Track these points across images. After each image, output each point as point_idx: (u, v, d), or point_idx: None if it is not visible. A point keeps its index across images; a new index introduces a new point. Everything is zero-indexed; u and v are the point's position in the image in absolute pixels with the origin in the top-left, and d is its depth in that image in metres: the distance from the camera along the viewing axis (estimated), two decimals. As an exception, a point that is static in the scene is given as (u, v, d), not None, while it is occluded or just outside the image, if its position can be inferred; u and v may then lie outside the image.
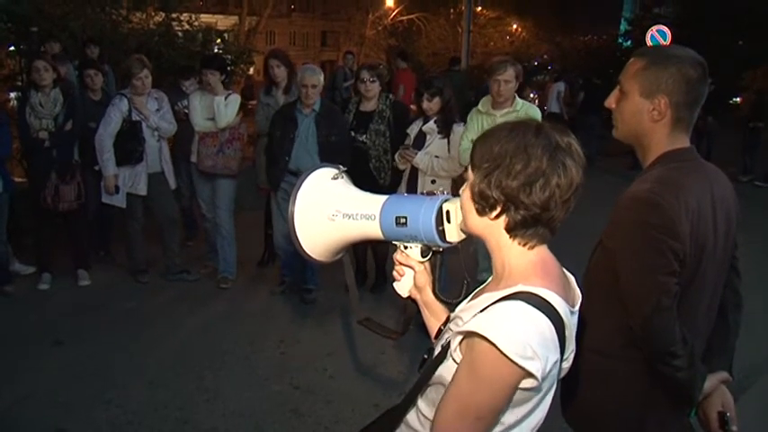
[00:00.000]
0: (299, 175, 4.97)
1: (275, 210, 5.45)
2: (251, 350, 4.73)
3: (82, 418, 3.82)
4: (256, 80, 19.93)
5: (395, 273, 1.71)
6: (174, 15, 10.59)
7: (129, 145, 5.35)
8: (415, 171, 4.93)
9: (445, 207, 1.52)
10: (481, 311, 1.36)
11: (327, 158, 5.04)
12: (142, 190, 5.51)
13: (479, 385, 1.31)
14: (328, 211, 1.64)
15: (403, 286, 1.71)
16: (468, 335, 1.34)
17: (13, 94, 8.78)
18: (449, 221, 1.51)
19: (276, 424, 3.81)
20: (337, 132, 5.15)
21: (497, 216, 1.40)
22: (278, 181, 5.23)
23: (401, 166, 5.02)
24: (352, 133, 5.27)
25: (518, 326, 1.28)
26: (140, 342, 4.79)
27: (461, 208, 1.48)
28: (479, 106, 4.74)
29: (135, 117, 5.40)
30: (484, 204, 1.40)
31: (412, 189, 4.93)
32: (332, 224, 1.64)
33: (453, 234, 1.53)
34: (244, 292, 5.73)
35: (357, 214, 1.61)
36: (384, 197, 1.61)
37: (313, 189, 1.68)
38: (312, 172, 1.71)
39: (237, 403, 4.03)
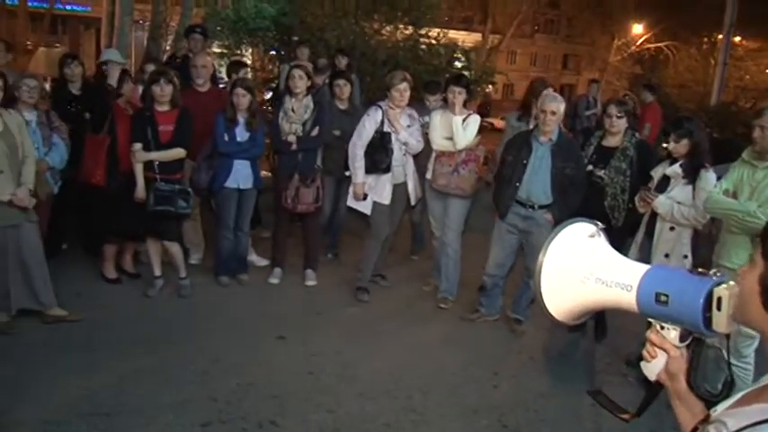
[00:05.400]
0: (526, 206, 4.84)
1: (495, 237, 5.32)
2: (463, 378, 4.62)
3: (293, 416, 3.94)
4: (493, 98, 20.11)
5: (645, 353, 1.50)
6: (422, 31, 10.84)
7: (378, 155, 5.45)
8: (654, 215, 4.58)
9: (717, 292, 1.28)
10: (751, 426, 1.12)
11: (560, 191, 4.90)
12: (386, 199, 5.58)
13: None
14: (581, 272, 1.48)
15: (652, 369, 1.50)
16: None
17: (269, 95, 9.48)
18: (719, 309, 1.28)
19: (480, 461, 3.67)
20: (573, 166, 4.93)
21: None
22: (506, 208, 5.10)
23: (641, 209, 4.67)
24: (591, 167, 5.01)
25: None
26: (356, 351, 4.86)
27: (742, 293, 1.25)
28: (743, 155, 4.27)
29: (386, 128, 5.50)
30: None
31: (650, 234, 4.60)
32: (582, 286, 1.48)
33: (722, 324, 1.28)
34: (462, 315, 5.62)
35: (612, 281, 1.43)
36: (645, 267, 1.41)
37: (568, 244, 1.53)
38: (569, 225, 1.55)
39: (443, 431, 3.93)
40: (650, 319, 1.43)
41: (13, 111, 4.65)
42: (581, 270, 1.48)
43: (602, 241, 1.53)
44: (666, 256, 4.46)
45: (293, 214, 5.94)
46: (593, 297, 1.48)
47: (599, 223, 1.55)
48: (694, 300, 1.29)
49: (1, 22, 27.74)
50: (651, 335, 1.46)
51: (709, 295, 1.28)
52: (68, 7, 31.20)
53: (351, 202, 5.72)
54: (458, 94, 5.42)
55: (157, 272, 5.56)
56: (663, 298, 1.33)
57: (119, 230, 5.53)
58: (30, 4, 28.68)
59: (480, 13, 35.10)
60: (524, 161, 4.99)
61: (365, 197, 5.59)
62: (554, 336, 5.29)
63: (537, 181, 4.97)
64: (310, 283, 6.02)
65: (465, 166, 5.44)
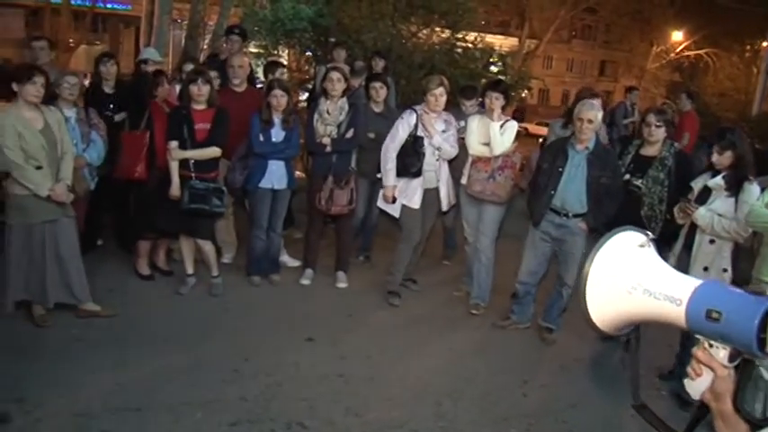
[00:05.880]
0: (560, 214, 4.77)
1: (528, 244, 5.27)
2: (493, 385, 4.57)
3: (321, 418, 3.93)
4: (528, 104, 20.08)
5: (690, 370, 1.44)
6: (459, 35, 10.81)
7: (409, 159, 5.42)
8: (693, 227, 4.49)
9: None
10: None
11: (596, 200, 4.85)
12: (416, 203, 5.54)
13: None
14: (628, 281, 1.43)
15: (696, 387, 1.44)
16: None
17: (305, 96, 9.51)
18: None
19: (509, 471, 3.63)
20: (610, 175, 4.87)
21: None
22: (540, 216, 5.05)
23: (680, 221, 4.59)
24: (628, 176, 4.95)
25: None
26: (385, 355, 4.84)
27: None
28: None
29: (420, 132, 5.46)
30: None
31: (688, 246, 4.52)
32: (628, 297, 1.43)
33: None
34: (493, 322, 5.56)
35: (660, 293, 1.38)
36: (697, 281, 1.36)
37: (616, 253, 1.48)
38: (618, 233, 1.51)
39: (473, 439, 3.90)
40: (698, 336, 1.38)
41: (53, 107, 4.71)
42: (629, 280, 1.44)
43: (651, 252, 1.49)
44: (705, 269, 4.37)
45: (326, 216, 5.94)
46: (639, 308, 1.43)
47: (649, 233, 1.51)
48: (749, 320, 1.23)
49: (45, 20, 28.37)
50: (698, 352, 1.41)
51: (766, 316, 1.23)
52: (109, 6, 31.74)
53: (381, 204, 5.71)
54: (495, 100, 5.38)
55: (190, 270, 5.60)
56: (715, 315, 1.28)
57: (153, 227, 5.57)
58: (73, 2, 29.25)
59: (517, 17, 34.89)
60: (560, 169, 4.93)
61: (395, 200, 5.57)
62: (585, 345, 5.22)
63: (572, 189, 4.91)
64: (341, 285, 6.01)
65: (501, 172, 5.39)
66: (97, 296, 5.00)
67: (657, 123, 4.87)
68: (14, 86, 4.39)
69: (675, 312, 1.34)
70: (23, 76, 4.38)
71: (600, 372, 4.96)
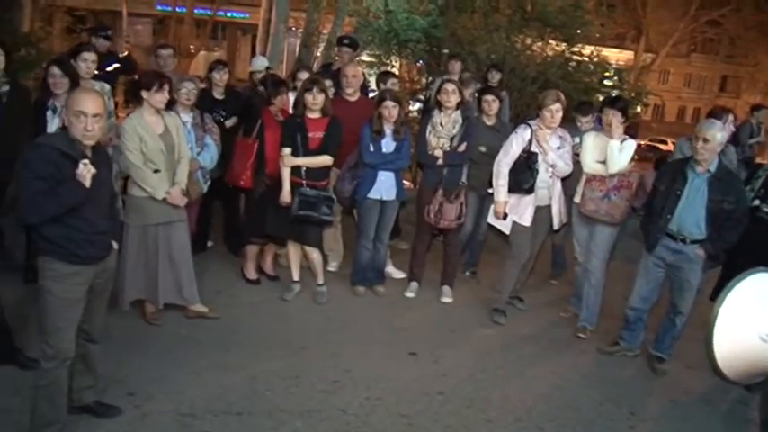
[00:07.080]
0: (677, 239, 4.52)
1: (641, 269, 5.01)
2: (597, 413, 4.37)
3: (422, 435, 3.87)
4: (643, 120, 19.43)
5: None
6: (575, 48, 10.55)
7: (522, 175, 5.28)
8: None
9: None
10: None
11: (716, 227, 4.57)
12: (527, 220, 5.40)
13: None
14: (763, 328, 1.30)
15: None
16: None
17: (416, 106, 9.51)
18: None
19: None
20: (733, 200, 4.56)
21: None
22: (655, 240, 4.80)
23: None
24: (758, 202, 4.64)
25: None
26: (488, 374, 4.72)
27: None
28: None
29: (534, 148, 5.31)
30: None
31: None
32: (761, 345, 1.30)
33: None
34: (600, 347, 5.32)
35: None
36: None
37: (750, 295, 1.35)
38: (752, 274, 1.38)
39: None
40: None
41: (172, 113, 4.85)
42: (763, 326, 1.31)
43: None
44: None
45: (434, 229, 5.87)
46: None
47: None
48: None
49: (170, 28, 29.91)
50: None
51: None
52: (229, 14, 33.04)
53: (491, 220, 5.59)
54: (614, 117, 5.17)
55: (296, 276, 5.66)
56: None
57: (262, 232, 5.65)
58: (195, 11, 30.73)
59: (634, 30, 33.82)
60: (678, 192, 4.67)
61: (506, 216, 5.44)
62: (699, 378, 4.90)
63: (690, 214, 4.64)
64: (446, 299, 5.92)
65: (617, 192, 5.17)
66: (205, 297, 5.12)
67: None
68: (144, 94, 4.53)
69: None
70: (154, 84, 4.51)
71: (715, 409, 4.65)
